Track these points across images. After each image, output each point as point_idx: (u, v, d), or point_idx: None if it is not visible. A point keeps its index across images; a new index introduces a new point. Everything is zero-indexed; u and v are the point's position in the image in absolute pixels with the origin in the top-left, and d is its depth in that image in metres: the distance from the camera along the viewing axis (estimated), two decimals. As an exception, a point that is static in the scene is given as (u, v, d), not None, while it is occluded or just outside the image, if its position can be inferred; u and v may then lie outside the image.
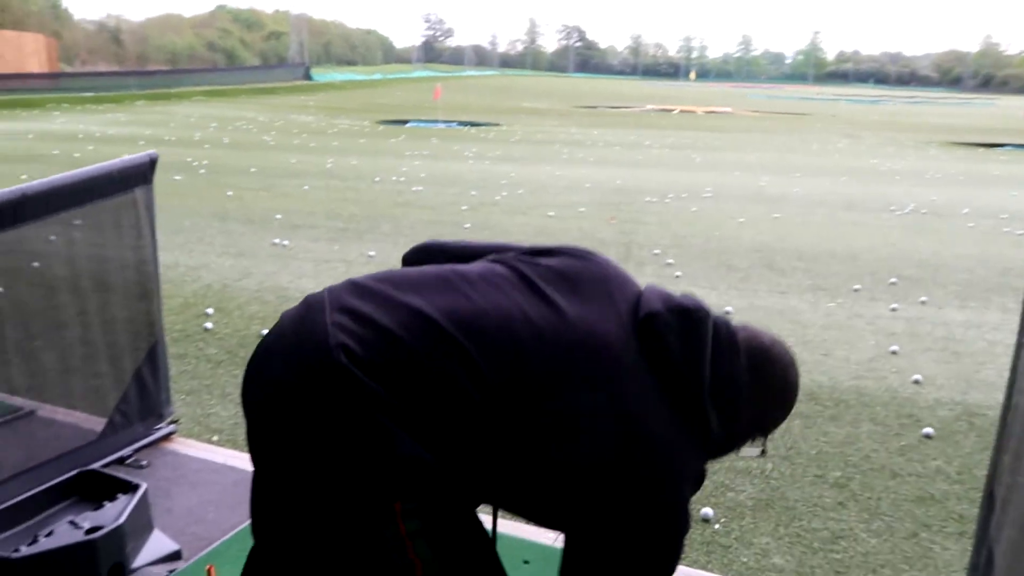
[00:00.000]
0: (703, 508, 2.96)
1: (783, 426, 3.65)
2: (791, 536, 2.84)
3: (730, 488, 3.15)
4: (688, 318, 1.24)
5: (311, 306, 1.27)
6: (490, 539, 1.30)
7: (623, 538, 1.19)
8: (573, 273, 1.30)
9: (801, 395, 4.25)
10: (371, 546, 1.15)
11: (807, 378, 4.33)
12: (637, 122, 25.34)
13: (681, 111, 32.05)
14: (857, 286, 6.28)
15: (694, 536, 2.80)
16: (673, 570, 1.24)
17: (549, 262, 1.32)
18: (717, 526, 2.88)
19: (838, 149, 17.94)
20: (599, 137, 19.40)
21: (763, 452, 1.40)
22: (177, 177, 10.63)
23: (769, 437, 1.39)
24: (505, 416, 1.15)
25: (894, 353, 4.78)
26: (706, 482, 3.28)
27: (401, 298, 1.23)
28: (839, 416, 3.87)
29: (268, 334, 1.31)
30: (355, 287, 1.29)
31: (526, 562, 2.40)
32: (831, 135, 21.74)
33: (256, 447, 1.26)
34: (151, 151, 2.98)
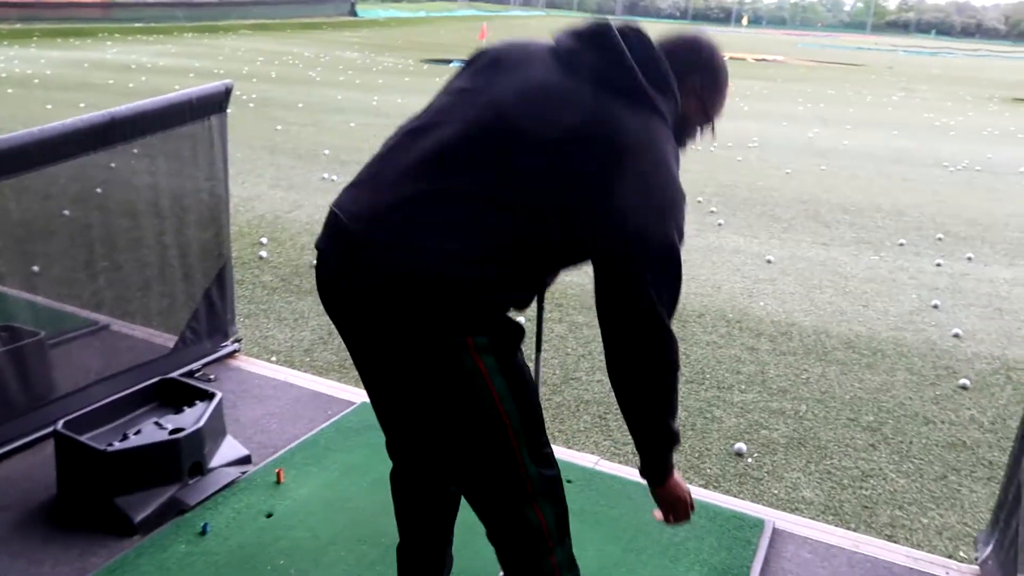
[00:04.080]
0: (736, 443, 3.09)
1: (819, 371, 3.72)
2: (821, 472, 2.96)
3: (763, 426, 3.27)
4: (591, 33, 1.45)
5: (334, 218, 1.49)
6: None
7: (644, 209, 1.38)
8: (497, 60, 1.51)
9: (838, 343, 4.31)
10: (458, 375, 1.41)
11: (845, 328, 4.40)
12: (685, 68, 24.76)
13: (731, 58, 31.19)
14: (902, 241, 6.25)
15: (727, 468, 2.95)
16: (683, 231, 1.43)
17: (476, 67, 1.54)
18: (750, 460, 3.01)
19: (892, 102, 17.43)
20: (646, 82, 19.06)
21: (712, 131, 1.62)
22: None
23: (714, 122, 1.60)
24: (528, 171, 1.37)
25: (935, 307, 4.81)
26: (740, 420, 3.38)
27: (396, 164, 1.46)
28: (875, 364, 3.94)
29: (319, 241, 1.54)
30: (354, 183, 1.53)
31: (568, 481, 2.56)
32: (886, 87, 21.07)
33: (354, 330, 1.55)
34: (227, 81, 3.12)
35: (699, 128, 1.59)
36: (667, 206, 1.39)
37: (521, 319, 1.64)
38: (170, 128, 2.82)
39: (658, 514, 1.67)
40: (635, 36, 1.45)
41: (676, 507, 1.64)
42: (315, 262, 1.55)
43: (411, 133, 1.49)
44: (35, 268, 2.78)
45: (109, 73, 14.16)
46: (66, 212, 2.83)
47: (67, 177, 2.67)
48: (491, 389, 1.42)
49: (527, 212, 1.38)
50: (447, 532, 1.86)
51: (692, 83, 1.51)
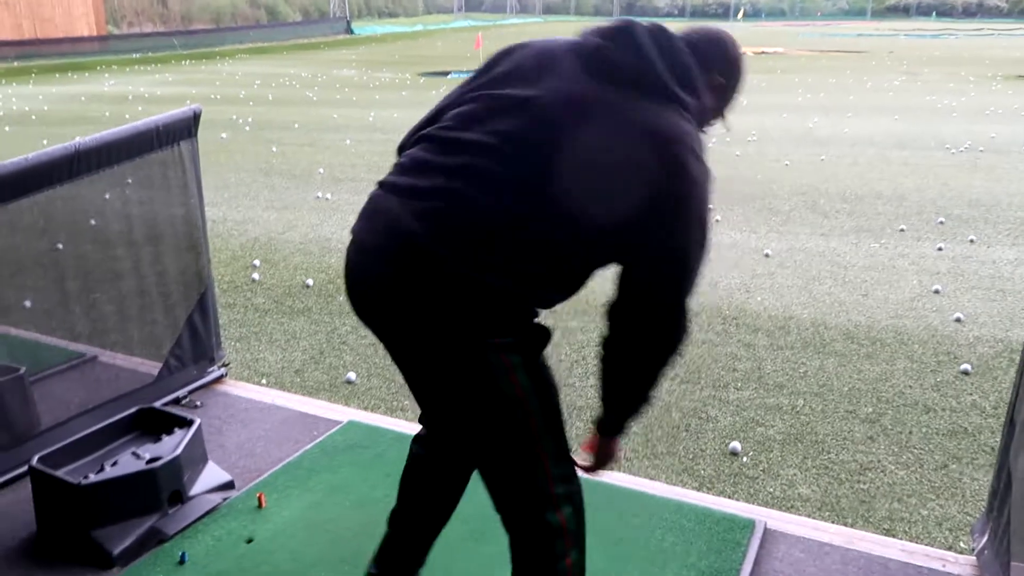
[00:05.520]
0: (731, 442, 3.03)
1: (816, 364, 3.64)
2: (818, 468, 2.89)
3: (759, 423, 3.20)
4: (616, 33, 1.46)
5: (376, 202, 1.52)
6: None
7: (683, 210, 1.39)
8: (519, 65, 1.50)
9: (836, 335, 4.23)
10: (484, 371, 1.44)
11: (844, 318, 4.32)
12: (683, 66, 24.70)
13: (729, 53, 31.06)
14: (903, 226, 6.16)
15: (721, 469, 2.88)
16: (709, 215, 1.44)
17: (499, 70, 1.52)
18: (745, 459, 2.95)
19: (893, 87, 17.28)
20: (643, 82, 19.02)
21: (724, 123, 1.64)
22: (223, 135, 10.85)
23: (728, 110, 1.63)
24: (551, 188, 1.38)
25: (936, 292, 4.72)
26: (735, 418, 3.30)
27: (437, 158, 1.46)
28: (874, 354, 3.86)
29: (356, 232, 1.54)
30: (401, 166, 1.53)
31: None
32: (887, 73, 20.91)
33: (375, 324, 1.55)
34: (195, 105, 3.10)
35: (714, 120, 1.62)
36: (699, 204, 1.41)
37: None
38: (137, 156, 2.80)
39: (583, 459, 1.70)
40: (661, 34, 1.47)
41: (608, 459, 1.70)
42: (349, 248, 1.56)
43: (441, 140, 1.49)
44: (27, 303, 2.78)
45: (106, 105, 14.29)
46: (59, 246, 2.83)
47: (40, 210, 2.66)
48: (517, 385, 1.46)
49: (566, 220, 1.39)
50: (447, 512, 1.89)
51: (714, 78, 1.53)
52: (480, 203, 1.39)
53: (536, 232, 1.39)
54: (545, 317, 1.55)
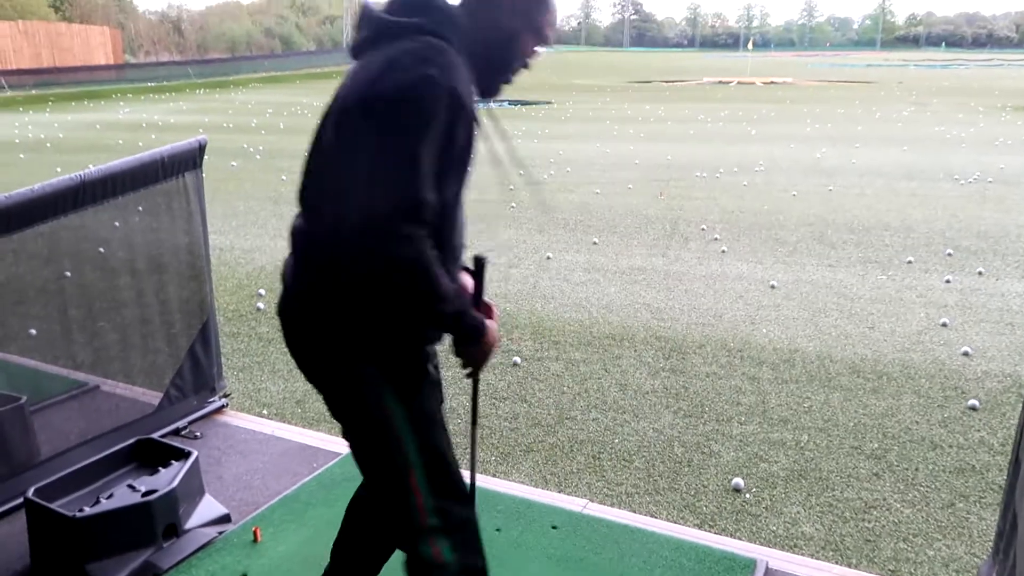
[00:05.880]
0: (734, 478, 2.99)
1: (821, 398, 3.59)
2: (822, 506, 2.84)
3: (763, 459, 3.16)
4: (359, 17, 1.59)
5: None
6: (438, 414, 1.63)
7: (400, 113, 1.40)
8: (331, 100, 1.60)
9: (842, 368, 4.18)
10: (356, 397, 1.54)
11: (850, 352, 4.29)
12: (692, 96, 24.89)
13: (739, 83, 31.31)
14: (910, 258, 6.12)
15: (724, 505, 2.84)
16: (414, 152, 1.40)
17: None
18: (748, 495, 2.91)
19: (902, 117, 17.32)
20: (651, 112, 19.16)
21: (546, 42, 1.65)
22: (234, 163, 10.96)
23: (545, 24, 1.61)
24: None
25: (944, 325, 4.68)
26: (739, 453, 3.26)
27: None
28: (880, 389, 3.82)
29: None
30: None
31: (554, 527, 2.49)
32: (896, 103, 20.98)
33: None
34: (200, 136, 3.13)
35: (531, 42, 1.62)
36: (393, 106, 1.40)
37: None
38: (142, 187, 2.83)
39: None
40: None
41: (475, 360, 1.61)
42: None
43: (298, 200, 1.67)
44: (32, 332, 2.79)
45: (120, 133, 14.49)
46: (67, 274, 2.85)
47: (45, 240, 2.68)
48: (388, 414, 1.52)
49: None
50: (382, 549, 1.91)
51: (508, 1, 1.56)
52: (303, 239, 1.55)
53: (338, 244, 1.45)
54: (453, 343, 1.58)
